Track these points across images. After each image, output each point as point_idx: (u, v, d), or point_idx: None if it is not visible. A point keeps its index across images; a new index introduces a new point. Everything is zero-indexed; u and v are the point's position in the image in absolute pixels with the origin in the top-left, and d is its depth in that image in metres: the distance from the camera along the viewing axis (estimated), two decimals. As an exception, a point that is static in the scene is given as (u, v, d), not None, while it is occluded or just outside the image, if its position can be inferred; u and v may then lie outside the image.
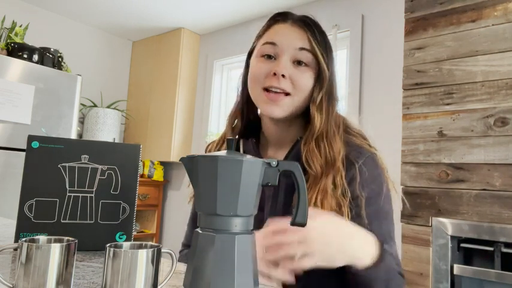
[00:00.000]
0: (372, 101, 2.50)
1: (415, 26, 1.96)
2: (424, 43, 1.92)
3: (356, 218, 0.76)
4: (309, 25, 0.81)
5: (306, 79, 0.80)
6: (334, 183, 0.77)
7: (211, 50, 3.53)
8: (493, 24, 1.73)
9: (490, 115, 1.69)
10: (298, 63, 0.80)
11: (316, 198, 0.74)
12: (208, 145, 0.99)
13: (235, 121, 0.91)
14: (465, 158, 1.72)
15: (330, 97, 0.82)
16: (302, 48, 0.79)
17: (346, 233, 0.68)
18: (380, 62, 2.50)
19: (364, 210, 0.77)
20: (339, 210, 0.75)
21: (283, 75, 0.78)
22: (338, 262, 0.66)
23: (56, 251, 0.53)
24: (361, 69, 2.57)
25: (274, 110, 0.80)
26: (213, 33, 3.55)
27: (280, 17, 0.84)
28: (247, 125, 0.91)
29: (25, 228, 0.79)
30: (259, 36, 0.87)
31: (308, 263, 0.63)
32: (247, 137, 0.89)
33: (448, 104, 1.80)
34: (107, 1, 3.10)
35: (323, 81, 0.80)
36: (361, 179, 0.78)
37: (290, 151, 0.84)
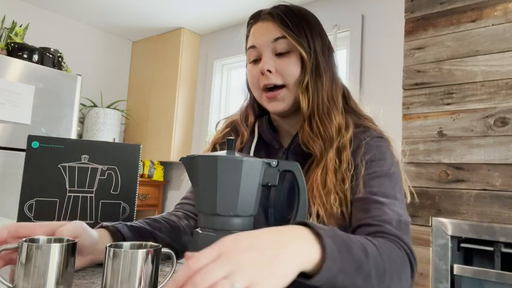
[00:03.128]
0: (372, 101, 2.49)
1: (415, 26, 1.96)
2: (424, 43, 1.91)
3: (355, 187, 0.74)
4: (277, 14, 0.81)
5: (291, 66, 0.81)
6: (340, 159, 0.76)
7: (211, 50, 3.53)
8: (493, 24, 1.73)
9: (490, 115, 1.69)
10: (281, 53, 0.81)
11: (317, 176, 0.74)
12: (219, 122, 1.01)
13: (247, 116, 0.92)
14: (465, 158, 1.72)
15: (317, 75, 0.81)
16: (276, 39, 0.80)
17: (278, 237, 0.50)
18: (380, 62, 2.50)
19: (363, 174, 0.74)
20: (342, 185, 0.74)
21: (269, 71, 0.80)
22: (285, 276, 0.47)
23: (55, 251, 0.53)
24: (361, 69, 2.57)
25: (276, 105, 0.82)
26: (213, 33, 3.55)
27: (253, 19, 0.86)
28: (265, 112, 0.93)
29: (25, 228, 0.79)
30: (246, 42, 0.90)
31: None
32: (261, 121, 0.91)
33: (448, 104, 1.80)
34: (107, 1, 3.10)
35: (306, 64, 0.80)
36: (364, 148, 0.77)
37: (292, 141, 0.85)
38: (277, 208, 0.81)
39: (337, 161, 0.76)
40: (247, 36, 0.88)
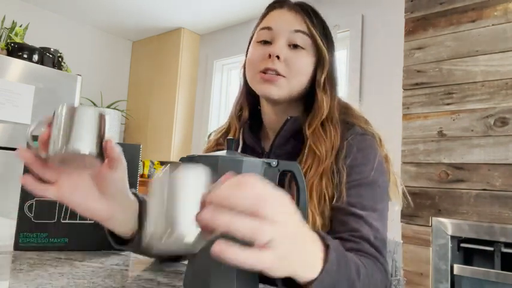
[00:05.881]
0: (372, 101, 2.50)
1: (415, 26, 1.96)
2: (424, 43, 1.92)
3: (336, 194, 0.72)
4: (305, 9, 0.80)
5: (301, 61, 0.78)
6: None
7: (211, 50, 3.53)
8: (493, 24, 1.73)
9: (490, 115, 1.69)
10: (295, 46, 0.78)
11: (314, 180, 0.72)
12: (210, 134, 0.98)
13: (241, 110, 0.89)
14: (465, 158, 1.72)
15: (332, 81, 0.81)
16: (298, 31, 0.78)
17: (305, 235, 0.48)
18: (380, 62, 2.50)
19: (344, 182, 0.71)
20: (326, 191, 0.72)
21: (277, 57, 0.77)
22: (280, 271, 0.43)
23: (92, 113, 0.57)
24: (361, 69, 2.57)
25: (270, 89, 0.77)
26: (213, 33, 3.54)
27: (277, 4, 0.83)
28: (250, 116, 0.89)
29: (25, 228, 0.79)
30: (257, 25, 0.86)
31: (257, 258, 0.39)
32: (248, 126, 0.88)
33: (448, 104, 1.80)
34: (107, 1, 3.10)
35: (324, 63, 0.79)
36: (346, 151, 0.75)
37: (272, 145, 0.82)
38: None
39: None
40: (262, 17, 0.85)
